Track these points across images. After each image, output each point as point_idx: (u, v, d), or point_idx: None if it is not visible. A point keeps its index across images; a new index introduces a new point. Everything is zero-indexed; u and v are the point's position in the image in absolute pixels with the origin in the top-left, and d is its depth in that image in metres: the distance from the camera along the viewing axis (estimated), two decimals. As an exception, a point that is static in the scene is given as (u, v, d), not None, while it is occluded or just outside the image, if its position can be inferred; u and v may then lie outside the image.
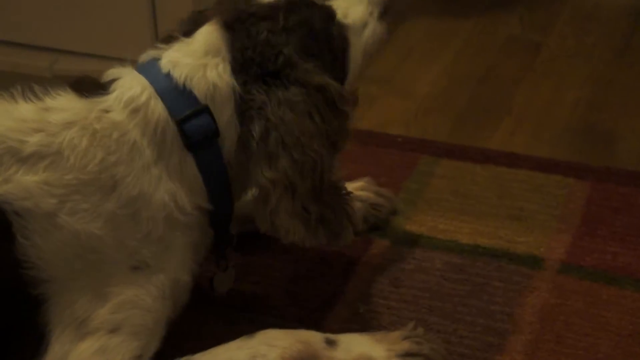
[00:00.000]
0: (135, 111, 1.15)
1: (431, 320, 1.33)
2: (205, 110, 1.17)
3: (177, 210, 1.15)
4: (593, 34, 2.28)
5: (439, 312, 1.35)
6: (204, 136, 1.17)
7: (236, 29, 1.22)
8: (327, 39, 1.27)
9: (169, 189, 1.15)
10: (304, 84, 1.20)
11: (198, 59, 1.20)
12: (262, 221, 1.21)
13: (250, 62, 1.20)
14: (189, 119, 1.16)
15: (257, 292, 1.40)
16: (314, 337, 1.17)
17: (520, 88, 2.04)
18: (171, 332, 1.17)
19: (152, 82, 1.18)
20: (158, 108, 1.16)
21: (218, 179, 1.19)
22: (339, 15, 1.32)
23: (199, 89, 1.18)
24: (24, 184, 1.07)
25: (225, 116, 1.19)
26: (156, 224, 1.13)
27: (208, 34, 1.22)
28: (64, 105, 1.14)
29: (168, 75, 1.18)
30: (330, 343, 1.17)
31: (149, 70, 1.20)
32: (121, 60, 1.78)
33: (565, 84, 2.05)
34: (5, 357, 1.06)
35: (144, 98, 1.16)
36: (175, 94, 1.17)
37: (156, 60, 1.21)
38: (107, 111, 1.15)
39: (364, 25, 1.34)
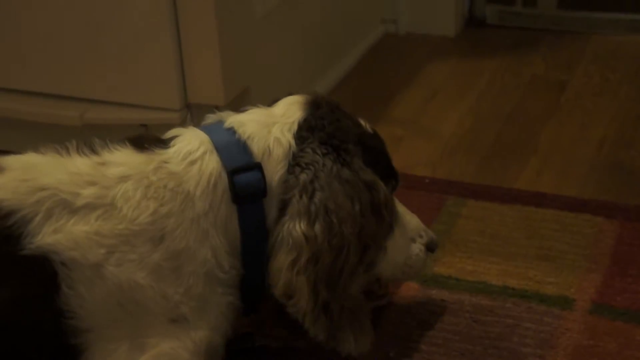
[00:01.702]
0: (191, 163, 1.17)
1: (462, 363, 1.33)
2: (257, 166, 1.18)
3: (217, 267, 1.15)
4: (618, 71, 2.28)
5: (469, 355, 1.34)
6: (251, 192, 1.17)
7: (321, 107, 1.25)
8: (385, 183, 1.26)
9: (213, 245, 1.15)
10: (356, 172, 1.20)
11: (270, 118, 1.23)
12: (283, 281, 1.15)
13: (320, 128, 1.22)
14: (240, 171, 1.17)
15: (287, 338, 1.39)
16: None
17: (546, 127, 2.03)
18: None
19: (212, 138, 1.20)
20: (213, 161, 1.17)
21: (256, 240, 1.18)
22: (397, 207, 1.30)
23: (258, 146, 1.19)
24: (73, 234, 1.08)
25: (277, 176, 1.18)
26: (197, 279, 1.14)
27: (292, 103, 1.26)
28: (122, 159, 1.15)
29: (230, 130, 1.21)
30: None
31: (213, 128, 1.23)
32: (151, 108, 1.82)
33: (592, 121, 2.05)
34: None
35: (200, 151, 1.18)
36: (232, 148, 1.19)
37: (221, 121, 1.24)
38: (165, 163, 1.17)
39: (413, 239, 1.33)
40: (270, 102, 1.31)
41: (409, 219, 1.34)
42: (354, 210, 1.17)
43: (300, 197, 1.16)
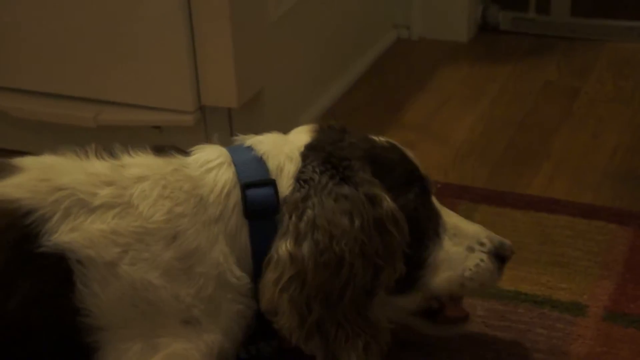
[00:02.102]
0: (208, 171, 1.19)
1: (474, 368, 1.33)
2: (271, 183, 1.19)
3: (229, 271, 1.16)
4: (631, 78, 2.28)
5: (481, 360, 1.34)
6: (263, 207, 1.18)
7: (327, 130, 1.27)
8: (402, 197, 1.23)
9: (223, 251, 1.16)
10: (356, 186, 1.18)
11: (283, 140, 1.25)
12: (266, 297, 1.15)
13: (319, 148, 1.22)
14: (253, 186, 1.18)
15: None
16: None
17: (558, 133, 2.03)
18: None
19: (232, 153, 1.22)
20: (229, 172, 1.19)
21: (265, 256, 1.17)
22: (446, 219, 1.26)
23: (272, 163, 1.21)
24: (90, 232, 1.09)
25: (287, 193, 1.19)
26: (208, 281, 1.14)
27: (301, 131, 1.28)
28: (141, 162, 1.17)
29: (249, 148, 1.23)
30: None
31: (235, 147, 1.25)
32: (166, 110, 1.83)
33: (605, 129, 2.04)
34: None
35: (218, 161, 1.21)
36: (249, 163, 1.21)
37: (245, 141, 1.26)
38: (183, 167, 1.19)
39: (470, 248, 1.25)
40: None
41: (465, 227, 1.28)
42: (352, 227, 1.14)
43: (291, 216, 1.16)
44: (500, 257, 1.27)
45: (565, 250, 1.59)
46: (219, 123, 1.87)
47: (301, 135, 1.27)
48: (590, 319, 1.42)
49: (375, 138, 1.29)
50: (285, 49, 2.01)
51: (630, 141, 1.98)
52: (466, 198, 1.76)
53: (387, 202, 1.18)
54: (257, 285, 1.18)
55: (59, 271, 1.07)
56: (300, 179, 1.19)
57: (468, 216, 1.69)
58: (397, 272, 1.19)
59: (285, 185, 1.19)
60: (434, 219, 1.26)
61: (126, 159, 1.17)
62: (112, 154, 1.18)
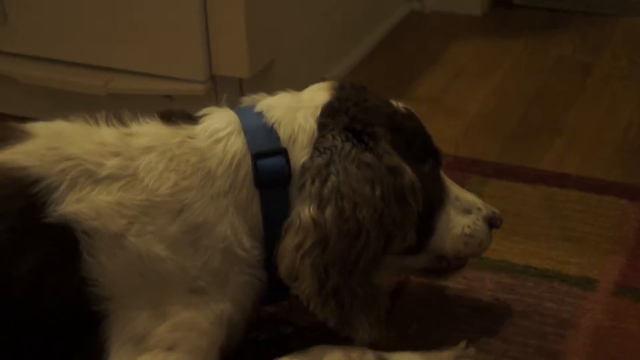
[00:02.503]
0: (217, 141, 1.18)
1: (482, 340, 1.32)
2: (282, 152, 1.17)
3: (237, 244, 1.15)
4: (646, 54, 2.27)
5: (489, 333, 1.34)
6: (274, 177, 1.16)
7: (346, 90, 1.24)
8: (419, 168, 1.23)
9: (233, 223, 1.15)
10: (379, 157, 1.17)
11: (297, 102, 1.22)
12: (286, 262, 1.14)
13: (342, 111, 1.20)
14: (264, 156, 1.17)
15: (308, 310, 1.40)
16: (366, 355, 1.18)
17: (571, 109, 2.03)
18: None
19: (242, 120, 1.20)
20: (238, 141, 1.18)
21: (279, 225, 1.16)
22: (448, 186, 1.29)
23: (284, 131, 1.19)
24: (96, 203, 1.09)
25: (300, 162, 1.17)
26: (214, 253, 1.14)
27: (319, 88, 1.25)
28: (148, 131, 1.17)
29: (259, 114, 1.21)
30: (382, 361, 1.18)
31: (244, 110, 1.23)
32: (177, 80, 1.83)
33: (618, 105, 2.04)
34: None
35: (227, 131, 1.19)
36: (259, 132, 1.19)
37: (255, 102, 1.24)
38: (190, 138, 1.17)
39: (468, 211, 1.30)
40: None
41: (463, 195, 1.31)
42: (373, 196, 1.14)
43: (313, 181, 1.15)
44: (491, 224, 1.31)
45: (576, 225, 1.59)
46: (230, 93, 1.86)
47: (319, 94, 1.24)
48: (599, 294, 1.42)
49: (394, 103, 1.28)
50: (297, 21, 2.00)
51: (643, 117, 1.98)
52: (477, 172, 1.76)
53: (408, 173, 1.19)
54: (270, 254, 1.17)
55: (66, 241, 1.07)
56: (322, 146, 1.17)
57: (479, 190, 1.70)
58: (407, 240, 1.21)
59: (298, 155, 1.18)
60: (442, 189, 1.29)
61: (134, 127, 1.17)
62: (122, 121, 1.17)
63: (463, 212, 1.30)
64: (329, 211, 1.13)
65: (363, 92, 1.25)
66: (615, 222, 1.59)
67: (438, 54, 2.31)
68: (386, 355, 1.19)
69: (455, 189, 1.31)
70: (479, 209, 1.31)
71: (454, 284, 1.45)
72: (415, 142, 1.25)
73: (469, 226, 1.29)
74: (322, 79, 1.31)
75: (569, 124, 1.97)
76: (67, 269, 1.07)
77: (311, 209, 1.13)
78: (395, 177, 1.17)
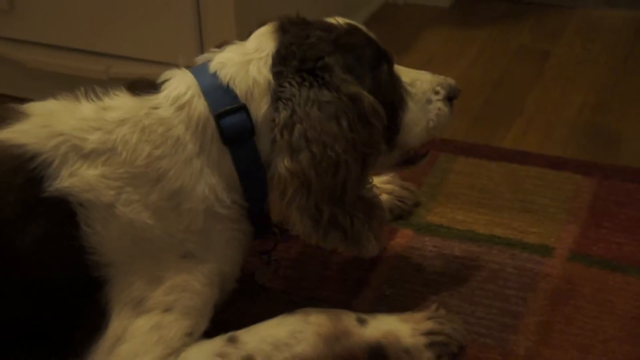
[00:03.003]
0: (180, 108, 1.15)
1: (451, 302, 1.33)
2: (242, 108, 1.14)
3: (217, 202, 1.14)
4: (598, 42, 2.26)
5: (458, 295, 1.35)
6: (239, 133, 1.14)
7: (290, 31, 1.19)
8: (376, 77, 1.21)
9: (209, 183, 1.14)
10: (337, 89, 1.14)
11: (245, 55, 1.18)
12: (275, 213, 1.17)
13: (291, 56, 1.16)
14: (226, 115, 1.14)
15: (294, 276, 1.40)
16: (346, 316, 1.17)
17: (531, 92, 2.02)
18: (217, 311, 1.17)
19: (199, 82, 1.17)
20: (200, 105, 1.15)
21: (253, 176, 1.16)
22: (404, 79, 1.26)
23: (240, 88, 1.15)
24: (86, 177, 1.08)
25: (261, 113, 1.15)
26: (196, 216, 1.13)
27: (261, 34, 1.21)
28: (119, 104, 1.14)
29: (214, 74, 1.17)
30: (361, 321, 1.17)
31: (199, 71, 1.19)
32: (172, 65, 1.80)
33: (573, 88, 2.04)
34: (72, 332, 1.08)
35: (188, 96, 1.15)
36: (217, 92, 1.15)
37: (208, 62, 1.20)
38: (155, 108, 1.15)
39: (428, 100, 1.27)
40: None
41: (421, 81, 1.28)
42: (340, 129, 1.12)
43: (282, 135, 1.13)
44: (450, 99, 1.29)
45: (535, 198, 1.59)
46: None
47: (265, 42, 1.19)
48: (556, 260, 1.42)
49: (335, 22, 1.23)
50: (282, 10, 1.98)
51: (596, 100, 1.98)
52: (446, 150, 1.76)
53: (367, 97, 1.16)
54: (251, 203, 1.16)
55: (63, 213, 1.06)
56: (283, 97, 1.14)
57: (448, 166, 1.70)
58: (380, 152, 1.20)
59: (257, 107, 1.15)
60: (399, 86, 1.26)
61: (107, 101, 1.14)
62: (97, 95, 1.15)
63: (425, 103, 1.27)
64: (302, 158, 1.11)
65: (304, 25, 1.21)
66: (570, 195, 1.60)
67: (410, 42, 2.30)
68: (365, 316, 1.19)
69: (410, 75, 1.28)
70: (437, 92, 1.28)
71: (426, 252, 1.45)
72: (365, 54, 1.21)
73: (432, 119, 1.27)
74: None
75: (529, 105, 1.97)
76: (68, 238, 1.06)
77: (285, 162, 1.12)
78: (356, 104, 1.15)
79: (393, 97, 1.24)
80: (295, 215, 1.13)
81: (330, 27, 1.21)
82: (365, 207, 1.19)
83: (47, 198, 1.05)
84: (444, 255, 1.44)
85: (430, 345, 1.18)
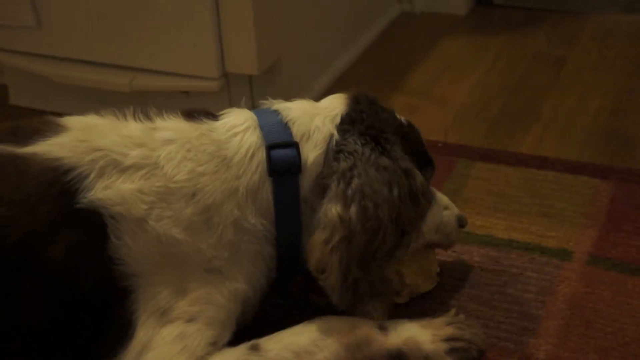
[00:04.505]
0: (234, 135, 1.17)
1: (470, 307, 1.32)
2: (294, 145, 1.16)
3: (242, 218, 1.14)
4: (614, 48, 2.24)
5: (477, 300, 1.34)
6: (286, 167, 1.15)
7: (361, 103, 1.23)
8: (420, 171, 1.23)
9: (240, 203, 1.14)
10: (395, 160, 1.17)
11: (314, 109, 1.22)
12: (316, 255, 1.13)
13: (359, 121, 1.19)
14: (278, 147, 1.16)
15: (314, 284, 1.39)
16: (367, 324, 1.17)
17: (548, 97, 2.01)
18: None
19: (259, 118, 1.19)
20: (254, 135, 1.17)
21: (289, 210, 1.16)
22: (433, 190, 1.31)
23: (298, 129, 1.18)
24: (121, 191, 1.08)
25: (313, 156, 1.17)
26: (226, 228, 1.13)
27: (335, 98, 1.25)
28: (171, 125, 1.16)
29: (276, 113, 1.20)
30: (382, 329, 1.17)
31: (261, 110, 1.22)
32: (196, 77, 1.82)
33: (589, 93, 2.02)
34: (100, 340, 1.08)
35: (245, 126, 1.18)
36: (274, 127, 1.18)
37: (273, 105, 1.23)
38: (210, 131, 1.17)
39: (445, 207, 1.32)
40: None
41: (441, 197, 1.34)
42: (391, 196, 1.14)
43: (339, 183, 1.14)
44: (459, 222, 1.34)
45: (553, 202, 1.58)
46: (241, 89, 1.85)
47: (336, 104, 1.23)
48: (575, 263, 1.41)
49: (398, 116, 1.27)
50: (300, 22, 1.98)
51: (612, 104, 1.96)
52: (464, 156, 1.75)
53: (419, 176, 1.19)
54: (281, 234, 1.17)
55: (95, 225, 1.07)
56: (345, 150, 1.16)
57: (466, 172, 1.69)
58: (417, 236, 1.23)
59: (309, 150, 1.17)
60: (432, 192, 1.30)
61: (158, 122, 1.16)
62: (148, 117, 1.16)
63: (441, 207, 1.32)
64: (353, 209, 1.12)
65: (375, 103, 1.25)
66: (588, 199, 1.58)
67: (427, 50, 2.29)
68: (384, 323, 1.18)
69: (437, 193, 1.33)
70: (452, 208, 1.34)
71: (445, 257, 1.44)
72: (417, 151, 1.25)
73: (444, 223, 1.31)
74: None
75: (546, 111, 1.95)
76: (97, 249, 1.07)
77: (337, 208, 1.12)
78: (409, 180, 1.17)
79: (428, 196, 1.26)
80: (336, 264, 1.12)
81: (395, 116, 1.26)
82: (381, 283, 1.19)
83: (80, 210, 1.06)
84: (463, 261, 1.43)
85: (451, 351, 1.17)
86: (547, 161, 1.71)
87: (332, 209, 1.12)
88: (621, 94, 2.00)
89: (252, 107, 1.26)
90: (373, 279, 1.16)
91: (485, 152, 1.76)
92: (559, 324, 1.28)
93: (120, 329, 1.08)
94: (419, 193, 1.18)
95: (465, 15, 2.50)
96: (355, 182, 1.13)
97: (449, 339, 1.18)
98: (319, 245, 1.12)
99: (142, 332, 1.07)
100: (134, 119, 1.16)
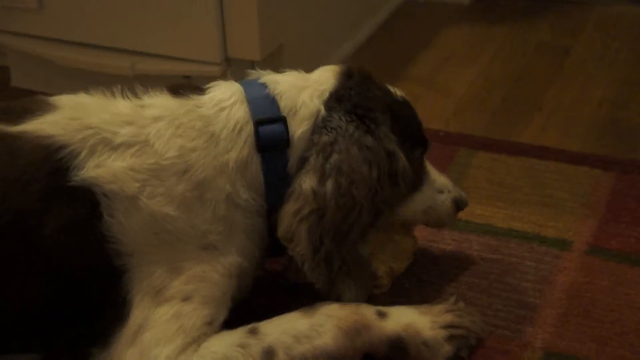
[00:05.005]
0: (221, 110, 1.16)
1: (469, 295, 1.32)
2: (281, 120, 1.16)
3: (235, 194, 1.14)
4: (618, 39, 2.23)
5: (476, 288, 1.34)
6: (274, 142, 1.15)
7: (353, 78, 1.22)
8: (411, 153, 1.23)
9: (231, 177, 1.14)
10: (379, 141, 1.17)
11: (302, 82, 1.21)
12: (285, 224, 1.14)
13: (347, 98, 1.19)
14: (265, 122, 1.15)
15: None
16: (367, 309, 1.17)
17: (550, 88, 2.00)
18: (236, 306, 1.17)
19: (245, 91, 1.18)
20: (241, 110, 1.17)
21: (278, 184, 1.16)
22: (430, 170, 1.30)
23: (285, 103, 1.18)
24: (113, 169, 1.08)
25: (300, 131, 1.17)
26: (218, 203, 1.13)
27: (326, 71, 1.24)
28: (158, 102, 1.15)
29: (263, 86, 1.19)
30: (381, 315, 1.17)
31: (248, 83, 1.21)
32: (195, 62, 1.80)
33: (592, 84, 2.01)
34: (96, 319, 1.08)
35: (231, 100, 1.17)
36: (261, 101, 1.17)
37: (261, 76, 1.22)
38: (197, 107, 1.16)
39: (440, 191, 1.30)
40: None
41: (438, 177, 1.32)
42: (370, 176, 1.14)
43: (318, 155, 1.14)
44: (457, 204, 1.32)
45: (553, 192, 1.58)
46: (243, 75, 1.84)
47: (327, 78, 1.22)
48: (574, 253, 1.41)
49: (392, 90, 1.27)
50: (303, 7, 1.97)
51: (615, 95, 1.95)
52: (466, 145, 1.75)
53: (402, 159, 1.19)
54: (271, 208, 1.17)
55: (87, 203, 1.06)
56: (329, 125, 1.16)
57: (467, 161, 1.69)
58: (391, 216, 1.22)
59: (296, 125, 1.17)
60: (424, 172, 1.29)
61: (146, 100, 1.15)
62: (135, 94, 1.16)
63: (436, 192, 1.31)
64: (328, 185, 1.12)
65: (367, 80, 1.24)
66: (588, 189, 1.58)
67: (430, 39, 2.28)
68: (385, 309, 1.18)
69: (433, 173, 1.31)
70: (450, 191, 1.32)
71: (445, 245, 1.44)
72: (409, 130, 1.24)
73: (434, 207, 1.30)
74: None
75: (548, 101, 1.94)
76: (91, 227, 1.06)
77: (312, 181, 1.13)
78: (391, 161, 1.17)
79: (416, 179, 1.26)
80: (304, 235, 1.13)
81: (389, 93, 1.25)
82: (355, 260, 1.18)
83: (72, 187, 1.06)
84: (463, 249, 1.43)
85: (450, 338, 1.17)
86: (548, 151, 1.71)
87: (306, 181, 1.13)
88: (624, 85, 2.00)
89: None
90: (347, 255, 1.15)
91: (487, 141, 1.76)
92: (557, 313, 1.28)
93: (116, 308, 1.07)
94: (399, 176, 1.18)
95: (469, 4, 2.49)
96: (334, 157, 1.13)
97: (447, 326, 1.18)
98: (289, 215, 1.13)
99: (138, 312, 1.07)
100: (122, 96, 1.15)
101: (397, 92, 1.27)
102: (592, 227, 1.47)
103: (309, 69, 1.27)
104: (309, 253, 1.13)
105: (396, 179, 1.18)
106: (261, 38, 1.77)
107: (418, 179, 1.27)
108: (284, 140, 1.16)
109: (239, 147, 1.15)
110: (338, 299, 1.17)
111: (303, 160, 1.16)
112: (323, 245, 1.13)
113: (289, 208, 1.14)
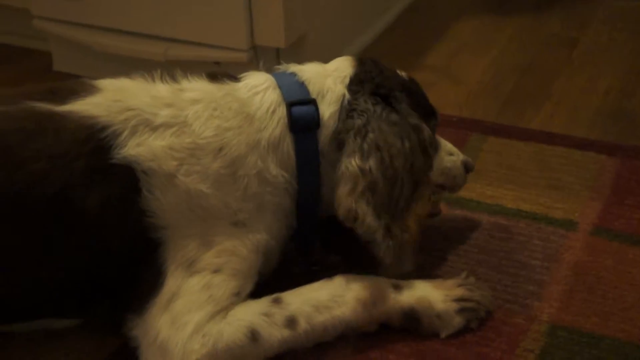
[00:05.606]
0: (255, 94, 1.18)
1: (480, 271, 1.31)
2: (312, 102, 1.17)
3: (265, 169, 1.14)
4: (624, 31, 2.20)
5: (486, 265, 1.33)
6: (306, 123, 1.16)
7: (366, 64, 1.25)
8: (426, 122, 1.24)
9: (262, 154, 1.14)
10: (404, 116, 1.19)
11: (325, 71, 1.23)
12: (343, 206, 1.13)
13: (368, 81, 1.21)
14: (297, 104, 1.16)
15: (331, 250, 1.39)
16: (383, 282, 1.17)
17: (559, 77, 1.98)
18: (261, 281, 1.16)
19: (277, 79, 1.20)
20: (274, 94, 1.18)
21: (309, 163, 1.17)
22: (439, 138, 1.32)
23: (314, 88, 1.20)
24: (152, 147, 1.08)
25: (328, 112, 1.18)
26: (250, 180, 1.13)
27: (342, 61, 1.26)
28: (197, 87, 1.16)
29: (292, 74, 1.21)
30: (396, 287, 1.17)
31: (279, 73, 1.23)
32: (225, 48, 1.79)
33: (599, 74, 1.99)
34: (132, 288, 1.09)
35: (265, 86, 1.19)
36: (292, 86, 1.19)
37: (288, 68, 1.24)
38: (234, 91, 1.17)
39: (450, 154, 1.32)
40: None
41: (448, 144, 1.34)
42: (404, 148, 1.15)
43: (355, 137, 1.15)
44: (466, 166, 1.35)
45: (561, 176, 1.56)
46: (269, 61, 1.82)
47: (344, 67, 1.24)
48: (580, 233, 1.40)
49: (399, 72, 1.29)
50: (325, 0, 1.96)
51: (620, 85, 1.93)
52: (477, 130, 1.73)
53: (426, 129, 1.21)
54: (301, 187, 1.17)
55: (128, 179, 1.06)
56: (358, 108, 1.18)
57: (479, 145, 1.68)
58: (429, 185, 1.23)
59: (325, 107, 1.18)
60: (437, 139, 1.32)
61: (185, 84, 1.16)
62: (174, 79, 1.17)
63: (446, 153, 1.33)
64: (371, 161, 1.13)
65: (379, 64, 1.26)
66: (594, 173, 1.56)
67: (443, 30, 2.26)
68: (400, 282, 1.18)
69: (442, 140, 1.34)
70: (458, 154, 1.35)
71: (457, 224, 1.43)
72: (421, 104, 1.26)
73: (448, 167, 1.32)
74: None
75: (557, 90, 1.92)
76: (130, 202, 1.07)
77: (357, 160, 1.13)
78: (418, 133, 1.19)
79: (435, 143, 1.28)
80: (365, 208, 1.12)
81: (398, 73, 1.28)
82: (409, 234, 1.18)
83: (114, 165, 1.06)
84: (473, 227, 1.42)
85: (461, 311, 1.17)
86: (556, 137, 1.69)
87: (352, 162, 1.13)
88: (630, 75, 1.97)
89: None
90: (402, 227, 1.16)
91: (498, 127, 1.74)
92: (562, 289, 1.27)
93: (152, 278, 1.08)
94: (427, 145, 1.20)
95: (482, -3, 2.46)
96: (370, 136, 1.14)
97: (459, 300, 1.18)
98: (345, 197, 1.13)
99: (172, 281, 1.08)
100: (162, 81, 1.16)
101: (402, 72, 1.30)
102: (597, 209, 1.46)
103: (328, 58, 1.28)
104: (377, 224, 1.12)
105: (425, 148, 1.20)
106: (286, 26, 1.76)
107: (435, 143, 1.29)
108: (315, 122, 1.17)
109: (272, 127, 1.15)
110: (400, 270, 1.17)
111: (337, 143, 1.17)
112: (381, 218, 1.13)
113: (342, 191, 1.13)
